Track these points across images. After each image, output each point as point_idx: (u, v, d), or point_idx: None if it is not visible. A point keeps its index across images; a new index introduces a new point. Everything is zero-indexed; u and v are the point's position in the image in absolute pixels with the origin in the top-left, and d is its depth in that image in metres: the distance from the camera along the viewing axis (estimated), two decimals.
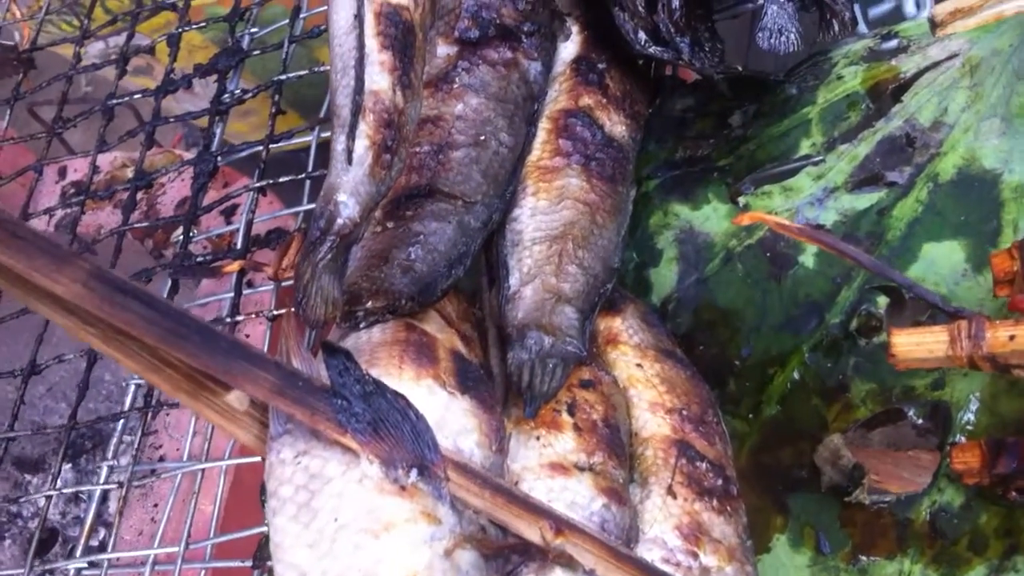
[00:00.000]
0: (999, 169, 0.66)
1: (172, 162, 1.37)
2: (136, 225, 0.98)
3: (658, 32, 0.73)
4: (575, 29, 0.77)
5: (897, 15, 0.76)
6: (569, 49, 0.76)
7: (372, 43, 0.60)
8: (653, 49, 0.73)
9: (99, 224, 1.36)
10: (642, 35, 0.73)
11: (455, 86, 0.70)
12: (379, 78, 0.59)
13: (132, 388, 0.95)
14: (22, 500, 1.16)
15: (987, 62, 0.69)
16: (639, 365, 0.64)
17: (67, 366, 1.24)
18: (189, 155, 1.31)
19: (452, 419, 0.51)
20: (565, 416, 0.57)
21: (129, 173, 1.33)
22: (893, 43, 0.74)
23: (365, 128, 0.58)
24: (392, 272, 0.59)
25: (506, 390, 0.60)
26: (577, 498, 0.53)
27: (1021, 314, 0.51)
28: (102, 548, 0.89)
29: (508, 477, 0.54)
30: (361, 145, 0.57)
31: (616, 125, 0.74)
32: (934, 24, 0.59)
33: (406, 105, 0.60)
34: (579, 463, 0.55)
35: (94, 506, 0.88)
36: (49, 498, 0.82)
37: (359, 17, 0.61)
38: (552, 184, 0.69)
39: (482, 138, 0.68)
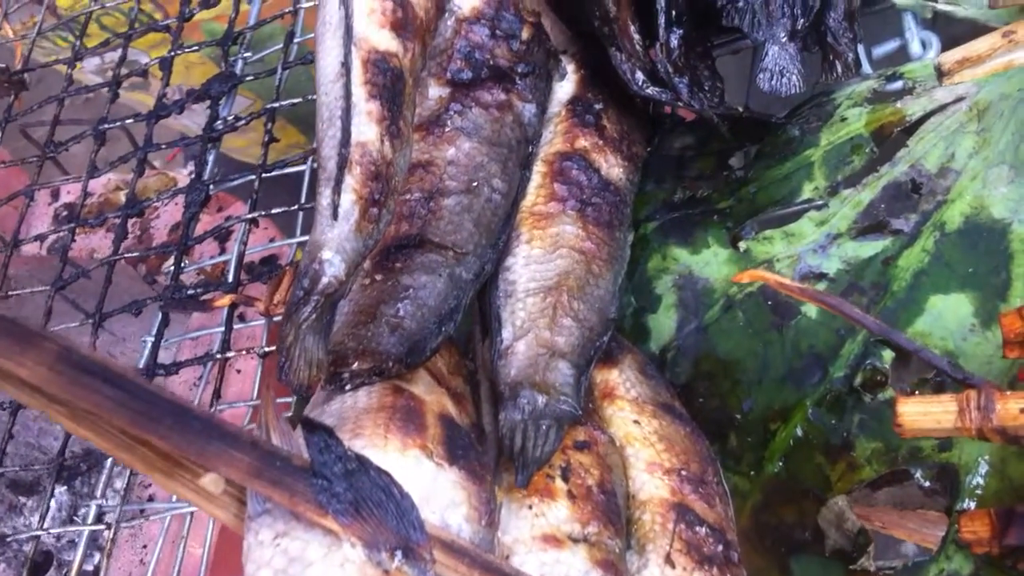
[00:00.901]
0: (1008, 219, 0.64)
1: (166, 185, 1.36)
2: (126, 255, 0.96)
3: (656, 72, 0.71)
4: (571, 68, 0.75)
5: (902, 54, 0.74)
6: (565, 88, 0.74)
7: (359, 92, 0.58)
8: (651, 90, 0.71)
9: (92, 248, 1.34)
10: (640, 75, 0.71)
11: (447, 129, 0.68)
12: (366, 129, 0.57)
13: None
14: (9, 540, 1.14)
15: (995, 107, 0.67)
16: (636, 422, 0.62)
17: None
18: (184, 176, 1.30)
19: (440, 492, 0.49)
20: (559, 482, 0.55)
21: (122, 196, 1.31)
22: (898, 84, 0.72)
23: (352, 182, 0.56)
24: (380, 330, 0.57)
25: (498, 451, 0.58)
26: (571, 572, 0.51)
27: None
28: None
29: (499, 551, 0.52)
30: (347, 199, 0.55)
31: (613, 167, 0.72)
32: (941, 73, 0.57)
33: (395, 155, 0.58)
34: (573, 534, 0.53)
35: (82, 547, 0.87)
36: (36, 538, 0.80)
37: (346, 65, 0.59)
38: (547, 231, 0.67)
39: (474, 184, 0.66)
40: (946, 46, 0.73)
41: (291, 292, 0.53)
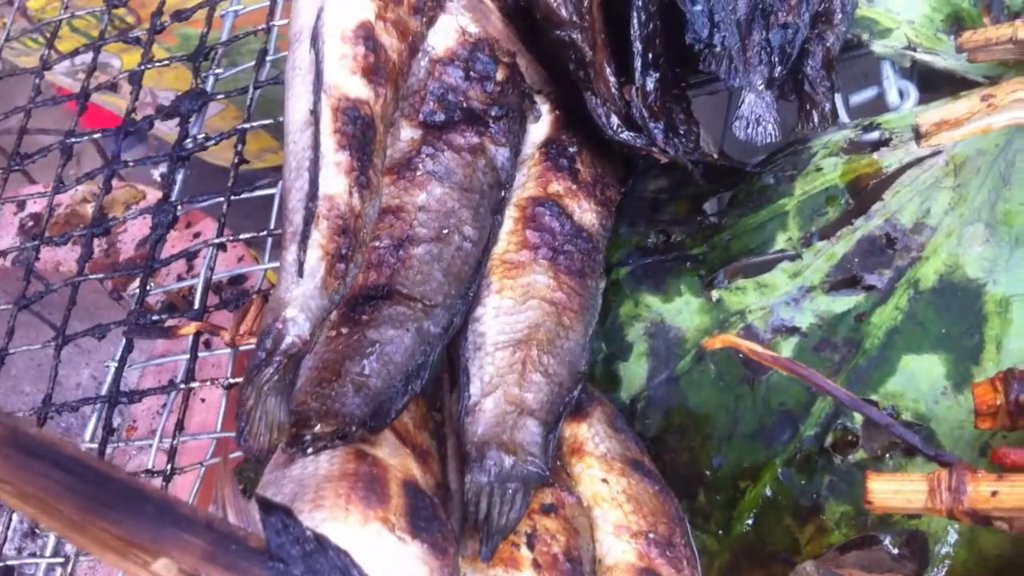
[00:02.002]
0: (983, 279, 0.64)
1: (135, 198, 1.33)
2: (91, 277, 0.94)
3: (631, 115, 0.70)
4: (545, 108, 0.74)
5: (880, 103, 0.73)
6: (539, 130, 0.73)
7: (328, 142, 0.57)
8: (626, 135, 0.70)
9: (57, 260, 1.32)
10: (615, 120, 0.70)
11: (418, 173, 0.66)
12: (335, 181, 0.56)
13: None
14: None
15: (972, 162, 0.66)
16: (605, 480, 0.61)
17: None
18: (153, 187, 1.27)
19: (401, 568, 0.48)
20: (524, 551, 0.54)
21: (90, 209, 1.29)
22: (875, 135, 0.71)
23: (318, 237, 0.54)
24: (344, 390, 0.55)
25: (463, 515, 0.56)
26: None
27: (1004, 467, 0.49)
28: None
29: None
30: (313, 256, 0.54)
31: (586, 213, 0.71)
32: (919, 135, 0.57)
33: (364, 207, 0.57)
34: None
35: None
36: None
37: (315, 113, 0.58)
38: (517, 281, 0.65)
39: (445, 232, 0.64)
40: (924, 96, 0.72)
41: (252, 354, 0.52)
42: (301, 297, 0.53)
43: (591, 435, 0.64)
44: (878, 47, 0.73)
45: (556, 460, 0.62)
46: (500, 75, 0.70)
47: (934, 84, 0.73)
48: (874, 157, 0.70)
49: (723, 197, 0.76)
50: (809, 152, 0.72)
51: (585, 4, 0.70)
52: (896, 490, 0.49)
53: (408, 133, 0.68)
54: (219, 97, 0.97)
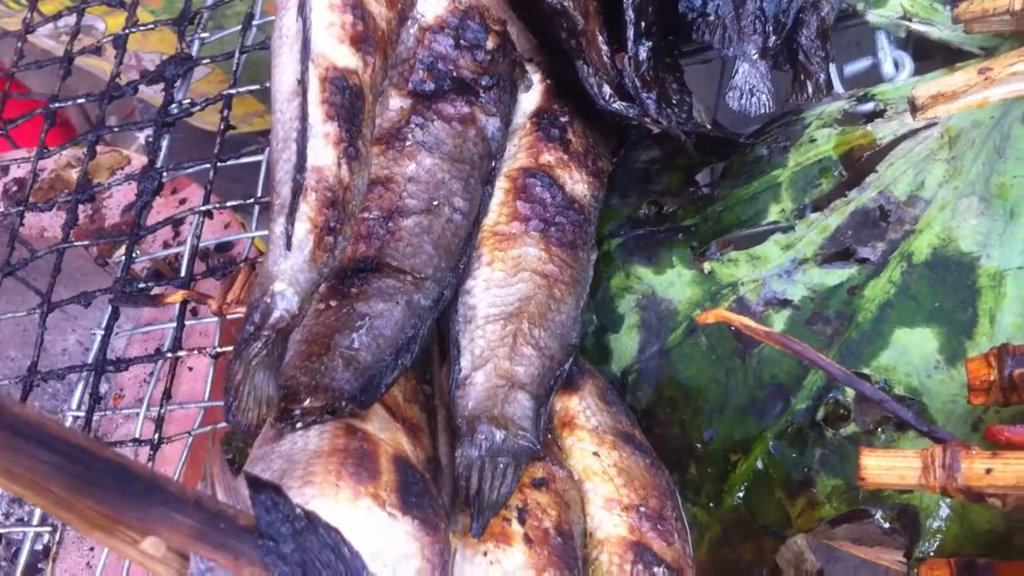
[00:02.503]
0: (976, 253, 0.63)
1: (119, 164, 1.32)
2: (75, 244, 0.94)
3: (624, 85, 0.70)
4: (537, 78, 0.73)
5: (874, 74, 0.72)
6: (530, 99, 0.72)
7: (316, 112, 0.56)
8: (618, 105, 0.69)
9: (42, 226, 1.31)
10: (607, 90, 0.69)
11: (408, 144, 0.65)
12: (323, 153, 0.55)
13: (69, 419, 0.92)
14: None
15: (967, 134, 0.66)
16: (596, 454, 0.61)
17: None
18: (137, 155, 1.26)
19: (392, 544, 0.47)
20: (515, 526, 0.53)
21: (74, 174, 1.28)
22: (869, 106, 0.70)
23: (306, 210, 0.53)
24: (334, 364, 0.55)
25: (454, 490, 0.56)
26: None
27: (998, 444, 0.48)
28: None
29: None
30: (302, 229, 0.53)
31: (578, 184, 0.70)
32: (914, 107, 0.56)
33: (352, 179, 0.56)
34: None
35: (28, 546, 0.86)
36: None
37: (303, 83, 0.56)
38: (508, 253, 0.65)
39: (435, 203, 0.64)
40: (919, 67, 0.72)
41: (240, 328, 0.51)
42: (289, 271, 0.52)
43: (582, 408, 0.64)
44: (873, 17, 0.72)
45: (547, 433, 0.62)
46: (490, 43, 0.69)
47: (929, 55, 0.73)
48: (868, 129, 0.69)
49: (716, 168, 0.75)
50: (803, 123, 0.72)
51: None
52: (889, 466, 0.49)
53: (397, 103, 0.67)
54: (204, 62, 0.96)
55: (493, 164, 0.68)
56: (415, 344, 0.58)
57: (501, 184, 0.68)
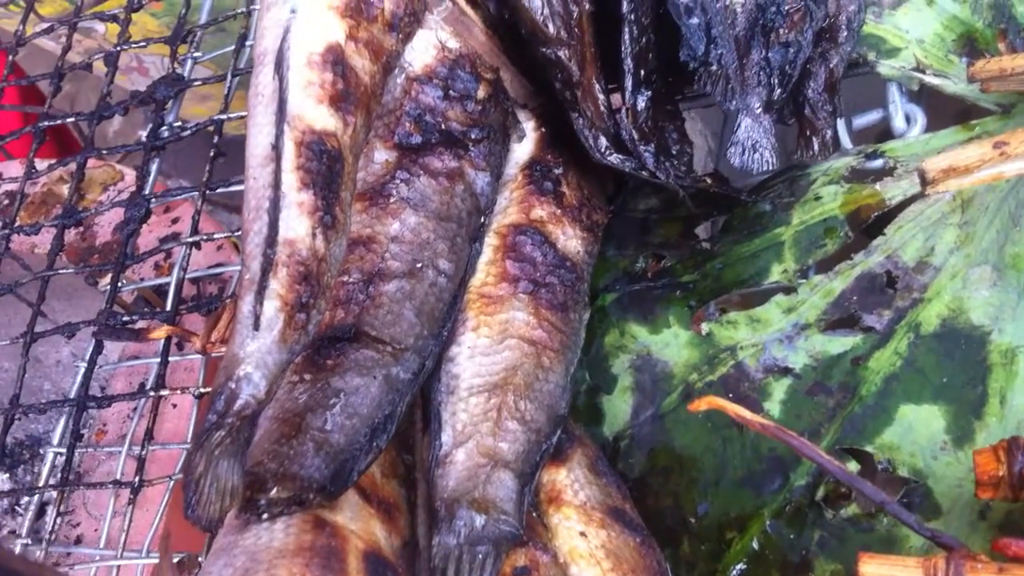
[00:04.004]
0: (988, 327, 0.60)
1: (112, 179, 1.30)
2: (61, 271, 0.92)
3: (621, 137, 0.66)
4: (530, 126, 0.70)
5: (884, 127, 0.69)
6: (523, 149, 0.69)
7: (290, 179, 0.53)
8: (614, 158, 0.66)
9: (32, 242, 1.28)
10: (603, 142, 0.66)
11: (392, 200, 0.62)
12: (296, 223, 0.52)
13: (50, 456, 0.90)
14: None
15: (980, 198, 0.62)
16: (583, 534, 0.58)
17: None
18: (131, 170, 1.24)
19: None
20: None
21: (66, 189, 1.26)
22: (878, 163, 0.67)
23: (276, 287, 0.50)
24: (304, 448, 0.52)
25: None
26: None
27: (1006, 557, 0.45)
28: None
29: None
30: (271, 307, 0.50)
31: (571, 240, 0.67)
32: (924, 181, 0.53)
33: (328, 249, 0.53)
34: None
35: None
36: None
37: (277, 148, 0.53)
38: (495, 318, 0.62)
39: (419, 265, 0.61)
40: (932, 121, 0.68)
41: (205, 419, 0.48)
42: (257, 353, 0.49)
43: (570, 482, 0.61)
44: (885, 68, 0.68)
45: (532, 511, 0.59)
46: (482, 93, 0.65)
47: (943, 108, 0.69)
48: (877, 188, 0.65)
49: (717, 220, 0.72)
50: (808, 179, 0.68)
51: (574, 18, 0.66)
52: (889, 575, 0.46)
53: (382, 155, 0.64)
54: (196, 84, 0.93)
55: (482, 220, 0.65)
56: (392, 423, 0.55)
57: (490, 241, 0.65)
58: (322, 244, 0.53)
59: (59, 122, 1.01)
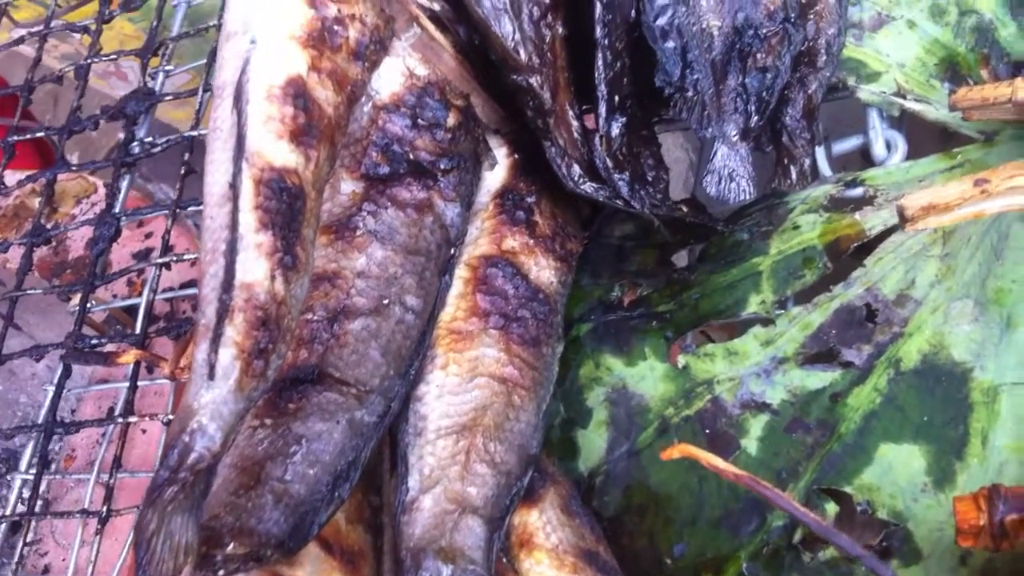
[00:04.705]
0: (969, 363, 0.58)
1: (86, 191, 1.28)
2: (29, 292, 0.90)
3: (595, 164, 0.65)
4: (503, 153, 0.68)
5: (864, 154, 0.67)
6: (495, 177, 0.67)
7: (248, 220, 0.51)
8: (587, 186, 0.64)
9: (4, 257, 1.27)
10: (576, 170, 0.64)
11: (358, 234, 0.60)
12: (254, 266, 0.50)
13: (17, 482, 0.88)
14: None
15: (962, 231, 0.61)
16: None
17: None
18: (103, 182, 1.22)
19: None
20: None
21: (37, 203, 1.24)
22: (858, 191, 0.65)
23: (233, 333, 0.48)
24: (263, 501, 0.50)
25: None
26: None
27: None
28: None
29: None
30: (227, 355, 0.48)
31: (543, 270, 0.65)
32: (903, 218, 0.51)
33: (288, 291, 0.51)
34: None
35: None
36: None
37: (234, 187, 0.51)
38: (464, 355, 0.60)
39: (386, 302, 0.59)
40: (913, 147, 0.67)
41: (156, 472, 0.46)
42: (212, 404, 0.47)
43: (542, 524, 0.59)
44: (865, 93, 0.67)
45: (502, 556, 0.57)
46: (451, 120, 0.63)
47: (924, 133, 0.68)
48: (856, 217, 0.64)
49: (693, 249, 0.70)
50: (786, 207, 0.67)
51: (547, 42, 0.64)
52: None
53: (349, 186, 0.62)
54: (168, 98, 0.91)
55: (452, 252, 0.63)
56: (356, 470, 0.53)
57: (461, 273, 0.63)
58: (282, 286, 0.51)
59: (28, 137, 0.99)
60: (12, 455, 1.21)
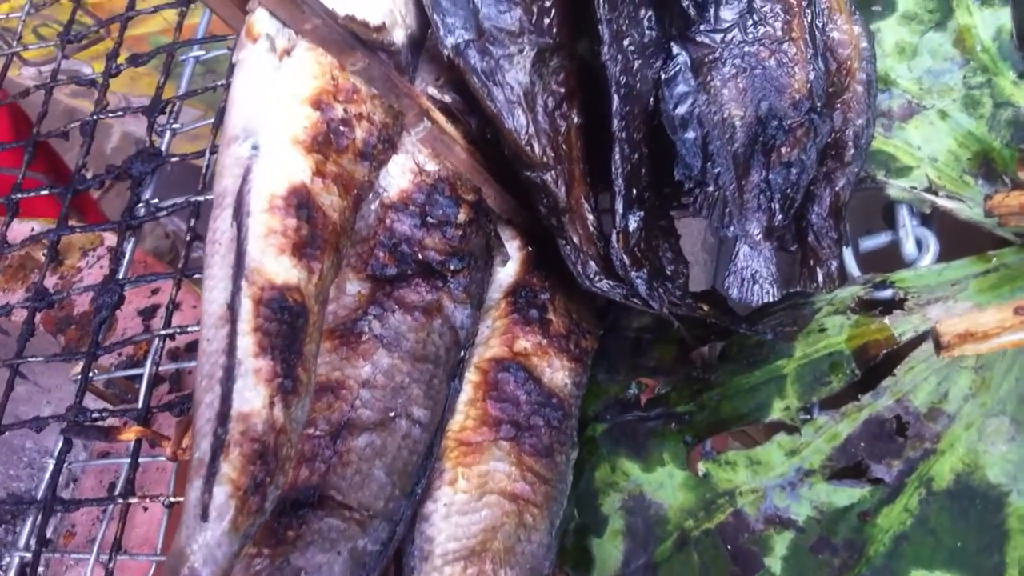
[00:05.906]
0: (1006, 486, 0.55)
1: (92, 243, 1.26)
2: (31, 360, 0.88)
3: (612, 261, 0.62)
4: (515, 246, 0.65)
5: (894, 252, 0.64)
6: (507, 272, 0.65)
7: (246, 343, 0.48)
8: (603, 284, 0.61)
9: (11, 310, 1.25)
10: (592, 267, 0.62)
11: (363, 339, 0.58)
12: (252, 395, 0.47)
13: (16, 560, 0.86)
14: None
15: None
16: None
17: None
18: (110, 235, 1.21)
19: None
20: None
21: (42, 255, 1.23)
22: (887, 293, 0.62)
23: (228, 470, 0.46)
24: None
25: None
26: None
27: None
28: None
29: None
30: (222, 494, 0.45)
31: (557, 372, 0.62)
32: (939, 345, 0.48)
33: (289, 415, 0.48)
34: None
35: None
36: None
37: (233, 307, 0.49)
38: (473, 469, 0.57)
39: (392, 414, 0.56)
40: (945, 248, 0.64)
41: None
42: (205, 548, 0.44)
43: None
44: (895, 189, 0.64)
45: None
46: (462, 216, 0.61)
47: (957, 231, 0.65)
48: (886, 322, 0.61)
49: (714, 347, 0.67)
50: (812, 307, 0.64)
51: (562, 133, 0.62)
52: None
53: (355, 287, 0.59)
54: (174, 160, 0.89)
55: (462, 355, 0.60)
56: None
57: (471, 377, 0.61)
58: (281, 412, 0.48)
59: (32, 194, 0.98)
60: (18, 500, 1.19)
